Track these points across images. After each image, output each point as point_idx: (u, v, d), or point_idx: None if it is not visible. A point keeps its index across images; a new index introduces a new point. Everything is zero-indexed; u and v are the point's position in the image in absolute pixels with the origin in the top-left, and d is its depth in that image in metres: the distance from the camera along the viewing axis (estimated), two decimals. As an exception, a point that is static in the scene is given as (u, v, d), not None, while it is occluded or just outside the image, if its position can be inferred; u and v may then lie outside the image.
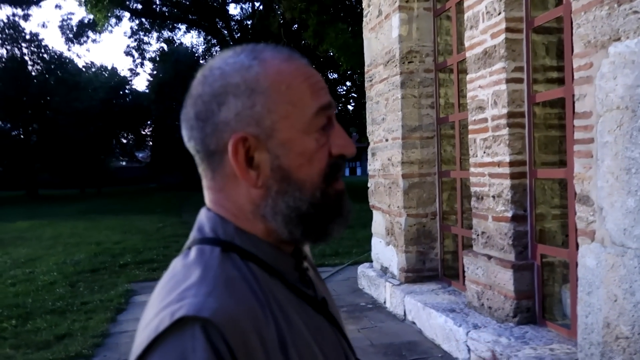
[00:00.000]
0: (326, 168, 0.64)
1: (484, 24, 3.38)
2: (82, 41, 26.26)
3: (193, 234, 0.68)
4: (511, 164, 3.24)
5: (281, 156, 0.63)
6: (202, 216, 0.69)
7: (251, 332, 0.56)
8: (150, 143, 37.99)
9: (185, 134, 0.67)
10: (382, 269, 5.12)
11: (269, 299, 0.61)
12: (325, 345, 0.66)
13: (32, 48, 29.24)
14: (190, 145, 0.67)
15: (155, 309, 0.58)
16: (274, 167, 0.63)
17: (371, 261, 5.51)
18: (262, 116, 0.62)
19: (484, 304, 3.49)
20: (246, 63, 0.64)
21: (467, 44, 3.61)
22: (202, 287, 0.57)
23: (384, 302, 4.74)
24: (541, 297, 3.21)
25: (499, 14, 3.22)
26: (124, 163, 46.28)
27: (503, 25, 3.20)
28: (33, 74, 29.14)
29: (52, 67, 29.54)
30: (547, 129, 3.37)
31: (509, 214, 3.24)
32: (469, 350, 3.23)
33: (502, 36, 3.21)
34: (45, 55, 29.62)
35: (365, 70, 5.44)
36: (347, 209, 0.68)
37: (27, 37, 28.96)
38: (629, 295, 2.14)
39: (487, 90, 3.39)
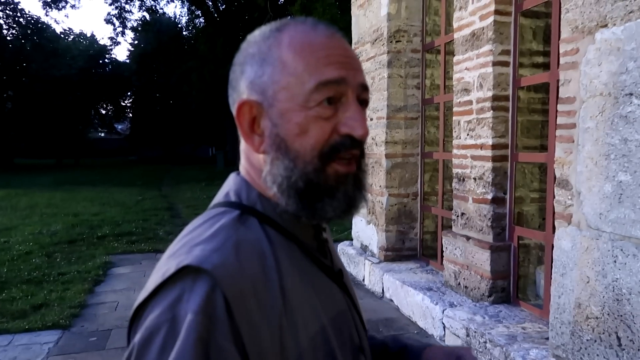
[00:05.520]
0: (324, 144, 0.63)
1: (474, 5, 3.37)
2: (60, 6, 25.38)
3: (217, 196, 0.71)
4: (493, 146, 3.27)
5: (279, 125, 0.64)
6: (230, 180, 0.72)
7: (250, 292, 0.57)
8: (130, 115, 37.32)
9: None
10: (362, 247, 5.18)
11: (279, 263, 0.62)
12: (335, 314, 0.67)
13: (7, 11, 28.13)
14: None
15: (167, 259, 0.61)
16: (273, 135, 0.65)
17: (351, 239, 5.57)
18: (267, 85, 0.65)
19: (461, 283, 3.57)
20: (267, 34, 0.67)
21: (455, 25, 3.60)
22: (211, 243, 0.60)
23: (363, 280, 4.81)
24: (516, 277, 3.30)
25: (489, -5, 3.21)
26: (102, 134, 45.45)
27: (492, 8, 3.20)
28: (8, 38, 28.10)
29: (29, 32, 28.51)
30: (530, 114, 3.41)
31: (489, 196, 3.30)
32: (444, 327, 3.31)
33: (491, 18, 3.21)
34: (21, 20, 28.55)
35: (352, 47, 5.39)
36: (344, 193, 0.65)
37: (2, -1, 27.88)
38: (601, 277, 2.21)
39: (474, 72, 3.40)
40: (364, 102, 0.67)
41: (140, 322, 0.56)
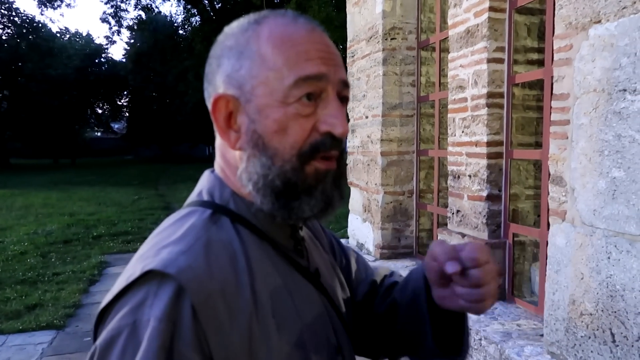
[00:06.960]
0: (303, 142, 0.61)
1: (468, 2, 3.36)
2: (55, 5, 25.26)
3: (191, 195, 0.70)
4: (488, 144, 3.27)
5: (257, 121, 0.62)
6: (204, 178, 0.70)
7: (218, 296, 0.55)
8: (127, 114, 37.22)
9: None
10: (358, 245, 5.17)
11: (251, 265, 0.61)
12: (310, 316, 0.65)
13: (2, 10, 28.02)
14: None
15: (135, 260, 0.59)
16: (250, 131, 0.62)
17: (347, 237, 5.56)
18: (245, 80, 0.62)
19: (456, 280, 3.56)
20: (245, 26, 0.64)
21: (450, 22, 3.59)
22: (179, 245, 0.58)
23: (359, 278, 4.79)
24: (511, 274, 3.29)
25: (483, -8, 3.20)
26: (99, 134, 45.34)
27: (487, 4, 3.18)
28: (3, 38, 28.00)
29: (24, 31, 28.38)
30: (524, 110, 3.40)
31: (484, 193, 3.29)
32: (439, 325, 3.30)
33: (486, 15, 3.20)
34: (16, 19, 28.42)
35: (348, 45, 5.38)
36: (322, 192, 0.63)
37: (-3, -2, 27.74)
38: (595, 274, 2.20)
39: (468, 69, 3.39)
40: (344, 99, 0.65)
41: (105, 324, 0.55)
